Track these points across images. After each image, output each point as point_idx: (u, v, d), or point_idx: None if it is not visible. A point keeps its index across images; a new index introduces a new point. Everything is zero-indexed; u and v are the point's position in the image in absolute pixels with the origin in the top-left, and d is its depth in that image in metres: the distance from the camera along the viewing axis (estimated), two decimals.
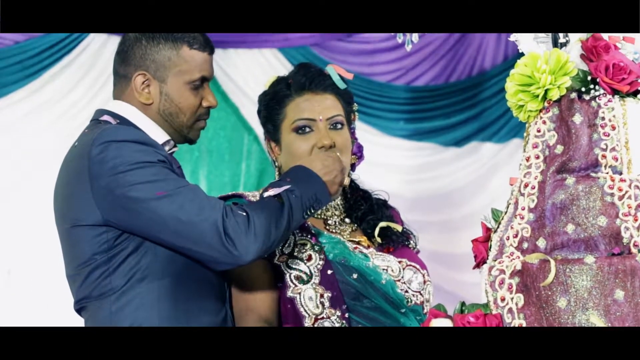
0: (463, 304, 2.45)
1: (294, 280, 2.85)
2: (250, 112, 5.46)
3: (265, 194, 2.69)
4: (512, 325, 2.36)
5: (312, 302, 2.83)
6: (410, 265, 2.96)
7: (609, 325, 2.30)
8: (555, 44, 2.55)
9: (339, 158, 2.81)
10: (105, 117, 2.77)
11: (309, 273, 2.86)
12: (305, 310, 2.83)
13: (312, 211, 2.72)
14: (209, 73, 2.82)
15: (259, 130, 5.39)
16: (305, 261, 2.87)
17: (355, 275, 2.87)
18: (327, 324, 2.82)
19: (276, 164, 3.05)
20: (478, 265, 2.58)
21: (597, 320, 2.30)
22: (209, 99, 2.83)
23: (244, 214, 2.60)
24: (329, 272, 2.86)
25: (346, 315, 2.83)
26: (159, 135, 2.79)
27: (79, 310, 2.76)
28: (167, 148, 2.81)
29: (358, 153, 3.10)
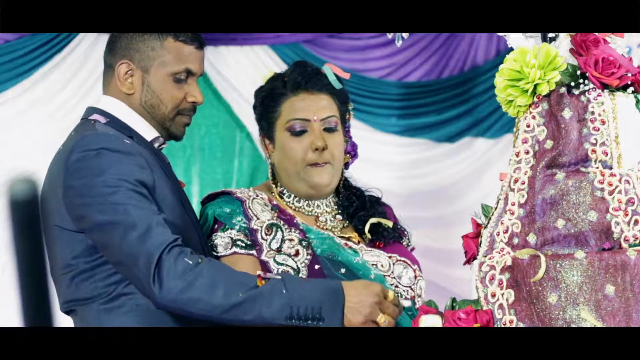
0: (454, 300, 2.45)
1: None
2: (243, 110, 5.44)
3: (259, 272, 2.56)
4: (502, 320, 2.36)
5: None
6: (401, 260, 2.96)
7: (600, 320, 2.29)
8: (544, 38, 2.55)
9: (377, 307, 2.57)
10: (95, 116, 2.75)
11: (296, 268, 2.85)
12: None
13: (304, 322, 2.51)
14: (195, 67, 2.78)
15: (252, 127, 5.40)
16: (292, 256, 2.86)
17: (343, 270, 2.87)
18: None
19: (269, 160, 3.05)
20: (469, 261, 2.58)
21: (588, 315, 2.29)
22: (193, 94, 2.78)
23: (190, 262, 2.49)
24: (316, 267, 2.86)
25: None
26: (147, 131, 2.77)
27: (67, 312, 2.73)
28: (156, 145, 2.79)
29: (352, 152, 3.10)
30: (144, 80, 2.75)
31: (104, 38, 5.13)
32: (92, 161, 2.59)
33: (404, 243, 3.08)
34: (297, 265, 2.86)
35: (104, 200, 2.54)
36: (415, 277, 2.97)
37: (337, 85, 2.97)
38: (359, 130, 5.47)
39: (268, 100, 3.00)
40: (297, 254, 2.88)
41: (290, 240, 2.89)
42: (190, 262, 2.49)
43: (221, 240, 2.88)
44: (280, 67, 5.17)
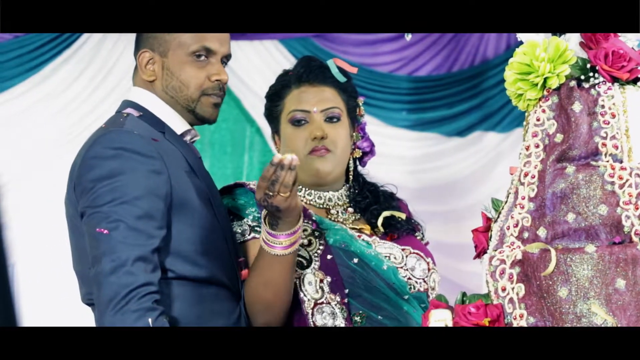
0: (464, 294, 2.44)
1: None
2: (252, 104, 5.45)
3: None
4: (513, 315, 2.35)
5: (311, 287, 2.84)
6: (414, 252, 2.97)
7: (611, 314, 2.29)
8: (554, 32, 2.54)
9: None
10: (128, 110, 2.73)
11: (308, 258, 2.87)
12: (304, 295, 2.84)
13: None
14: (214, 45, 2.74)
15: (262, 122, 5.40)
16: (304, 247, 2.87)
17: (355, 260, 2.88)
18: (326, 308, 2.83)
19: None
20: (479, 255, 2.58)
21: (598, 309, 2.29)
22: (217, 72, 2.74)
23: (148, 313, 2.46)
24: (329, 257, 2.87)
25: (346, 300, 2.84)
26: (178, 124, 2.75)
27: (89, 303, 2.71)
28: (187, 138, 2.77)
29: (368, 148, 3.11)
30: (164, 65, 2.73)
31: (111, 34, 5.16)
32: (107, 161, 2.57)
33: (418, 237, 3.08)
34: (309, 255, 2.87)
35: (102, 207, 2.53)
36: (429, 269, 2.98)
37: (340, 78, 2.98)
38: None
39: (274, 95, 3.04)
40: (309, 244, 2.89)
41: (303, 230, 2.89)
42: (149, 313, 2.46)
43: (239, 228, 2.90)
44: (290, 61, 5.18)
